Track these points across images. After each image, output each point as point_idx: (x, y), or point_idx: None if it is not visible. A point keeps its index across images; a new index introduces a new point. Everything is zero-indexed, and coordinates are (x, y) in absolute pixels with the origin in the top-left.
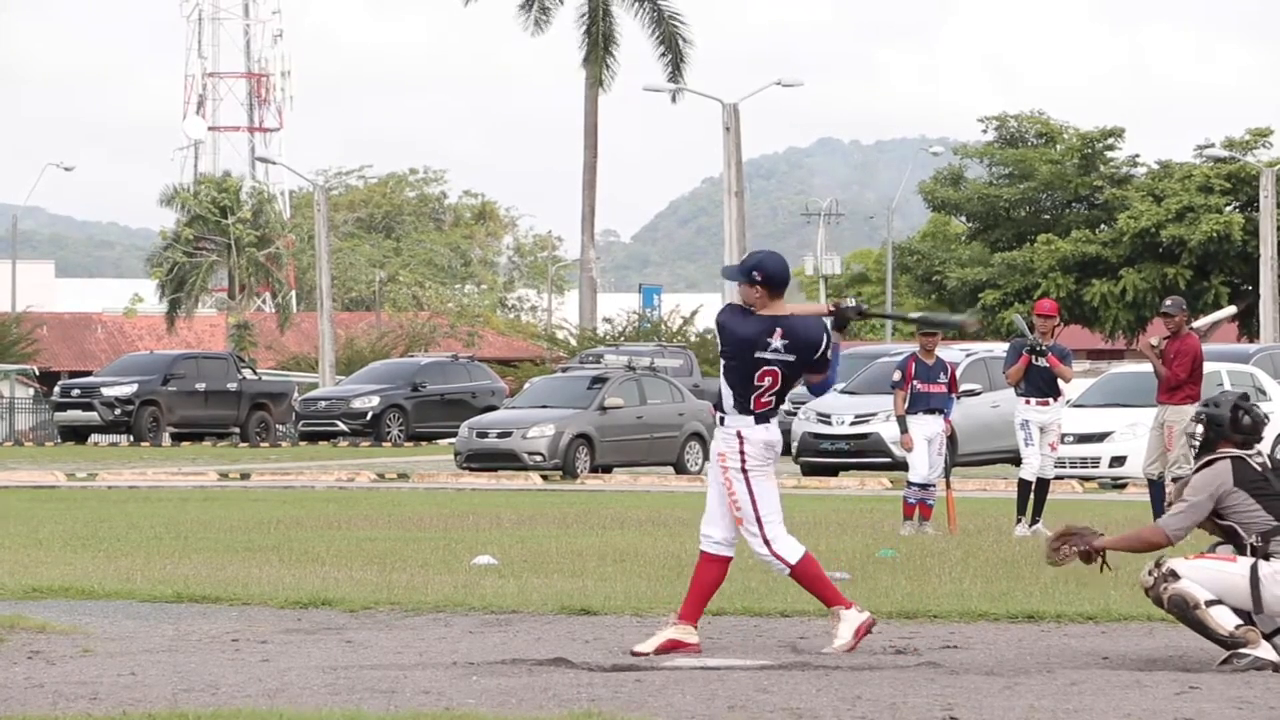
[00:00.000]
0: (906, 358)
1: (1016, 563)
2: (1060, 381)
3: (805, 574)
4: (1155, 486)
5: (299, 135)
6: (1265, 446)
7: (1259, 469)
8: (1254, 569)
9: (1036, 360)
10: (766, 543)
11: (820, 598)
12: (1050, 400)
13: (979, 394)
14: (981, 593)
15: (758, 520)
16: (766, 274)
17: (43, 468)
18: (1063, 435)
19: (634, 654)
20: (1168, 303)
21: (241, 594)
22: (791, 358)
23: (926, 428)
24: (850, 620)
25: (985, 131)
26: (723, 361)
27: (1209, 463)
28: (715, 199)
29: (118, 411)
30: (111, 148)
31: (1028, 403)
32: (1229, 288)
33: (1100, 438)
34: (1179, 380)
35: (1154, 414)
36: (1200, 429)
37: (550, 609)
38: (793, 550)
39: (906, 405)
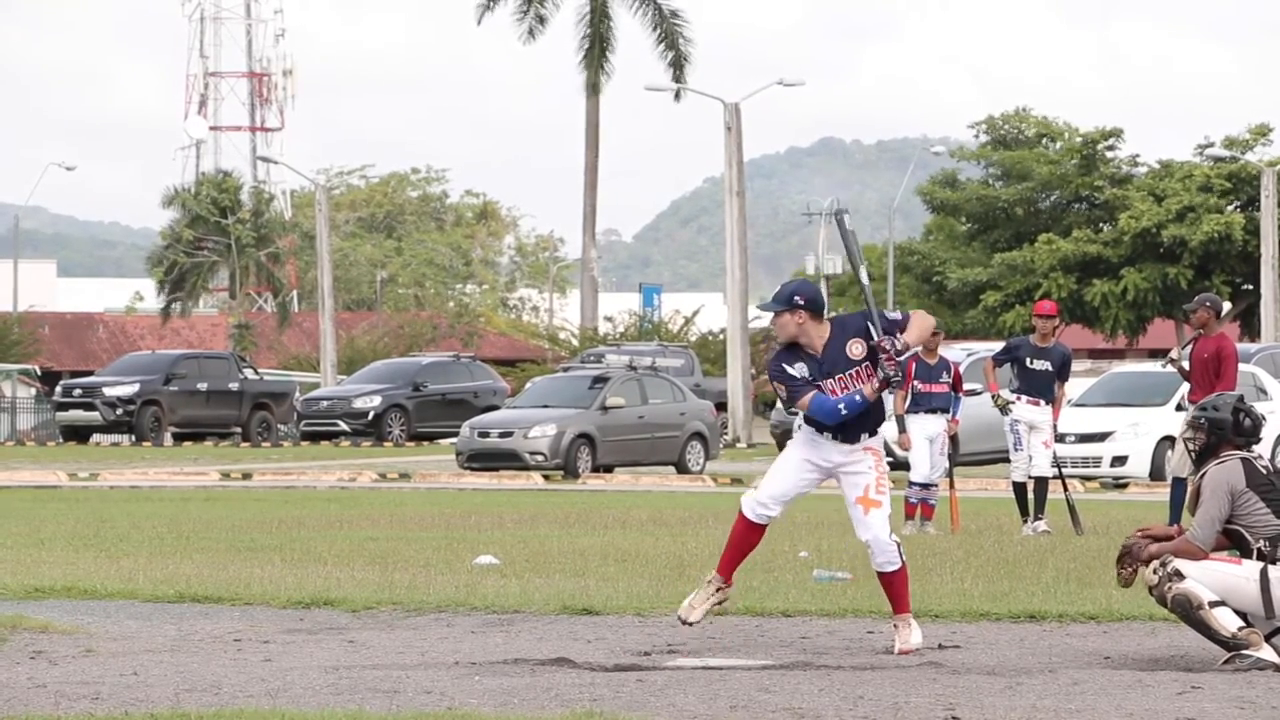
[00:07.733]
0: (908, 357)
1: (1018, 562)
2: (1057, 386)
3: (901, 578)
4: (1178, 485)
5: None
6: (1266, 448)
7: (1264, 472)
8: (1264, 573)
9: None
10: (893, 533)
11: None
12: (1041, 401)
13: (980, 393)
14: (983, 592)
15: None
16: (807, 298)
17: (44, 468)
18: (1064, 435)
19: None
20: (1195, 300)
21: (244, 594)
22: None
23: (928, 427)
24: (916, 628)
25: (976, 136)
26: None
27: (1219, 463)
28: (717, 198)
29: (119, 411)
30: (113, 147)
31: (1018, 399)
32: (1230, 287)
33: (1101, 437)
34: (1210, 380)
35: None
36: (1195, 432)
37: (552, 609)
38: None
39: (908, 405)
